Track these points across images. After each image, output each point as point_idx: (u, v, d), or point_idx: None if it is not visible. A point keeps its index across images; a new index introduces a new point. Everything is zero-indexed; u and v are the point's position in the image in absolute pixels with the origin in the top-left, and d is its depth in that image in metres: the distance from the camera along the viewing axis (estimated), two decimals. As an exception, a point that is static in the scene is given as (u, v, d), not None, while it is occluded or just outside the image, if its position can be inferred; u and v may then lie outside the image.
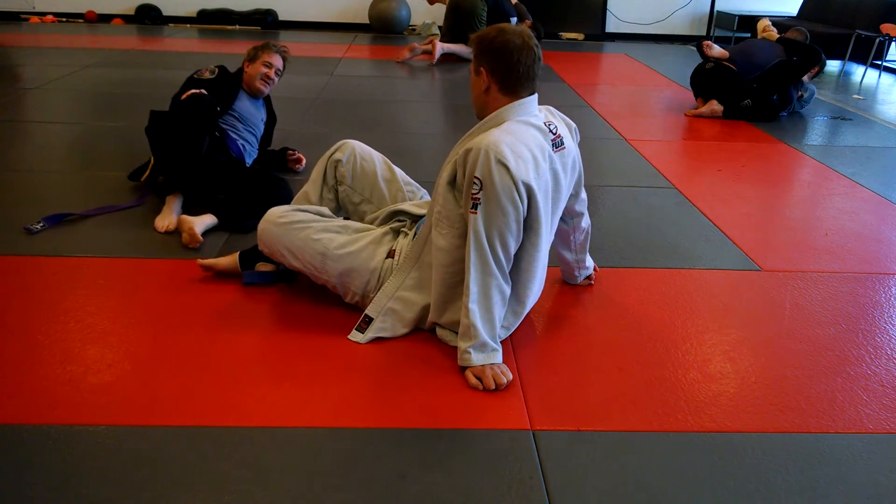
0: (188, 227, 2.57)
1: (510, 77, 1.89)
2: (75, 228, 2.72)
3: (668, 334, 2.15)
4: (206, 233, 2.62)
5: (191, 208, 2.79)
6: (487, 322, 1.88)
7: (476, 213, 1.83)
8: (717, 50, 4.87)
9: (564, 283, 2.44)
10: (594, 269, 2.46)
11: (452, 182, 1.91)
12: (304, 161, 3.46)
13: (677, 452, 1.65)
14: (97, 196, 3.01)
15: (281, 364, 1.93)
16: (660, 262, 2.65)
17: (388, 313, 2.05)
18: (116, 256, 2.51)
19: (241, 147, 3.06)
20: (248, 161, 3.12)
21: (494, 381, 1.85)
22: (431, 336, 2.07)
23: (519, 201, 1.83)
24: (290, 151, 3.44)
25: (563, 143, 1.98)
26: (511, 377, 1.88)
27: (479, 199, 1.82)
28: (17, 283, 2.30)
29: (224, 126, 3.03)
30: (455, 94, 5.47)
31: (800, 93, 5.02)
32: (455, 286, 1.95)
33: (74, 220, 2.78)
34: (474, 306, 1.87)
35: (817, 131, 4.78)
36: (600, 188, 3.47)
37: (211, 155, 2.86)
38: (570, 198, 2.16)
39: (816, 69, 5.02)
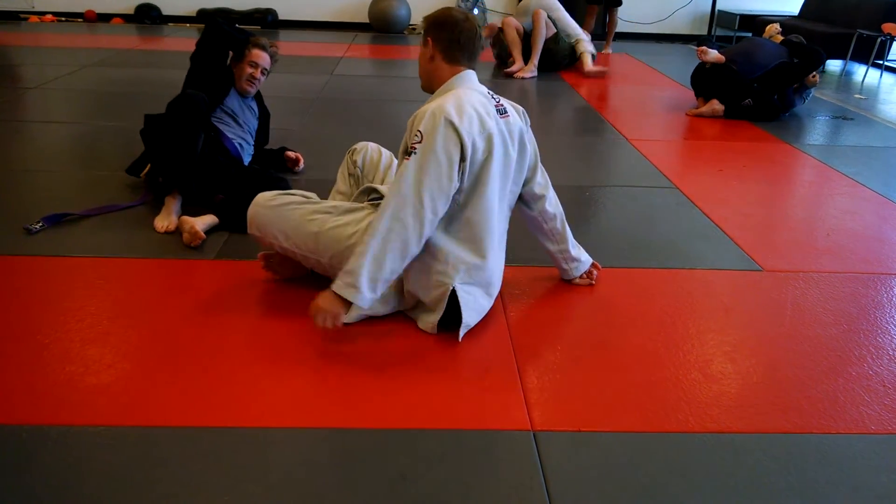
0: (189, 227, 2.57)
1: (452, 46, 2.07)
2: (75, 228, 2.72)
3: (668, 334, 2.15)
4: (206, 232, 2.62)
5: (190, 209, 2.79)
6: (374, 261, 1.89)
7: (409, 159, 1.93)
8: (712, 55, 4.86)
9: (565, 284, 2.43)
10: (595, 267, 2.45)
11: (406, 152, 1.99)
12: (302, 160, 3.45)
13: (678, 453, 1.65)
14: (97, 196, 3.01)
15: (281, 364, 1.92)
16: (661, 262, 2.64)
17: None
18: (116, 256, 2.50)
19: (237, 146, 3.06)
20: (246, 159, 3.12)
21: (323, 320, 1.90)
22: (431, 336, 2.07)
23: (457, 156, 1.93)
24: (289, 151, 3.44)
25: (506, 112, 2.10)
26: (339, 325, 1.93)
27: (416, 148, 1.93)
28: (16, 283, 2.30)
29: (219, 125, 3.02)
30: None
31: (802, 97, 5.03)
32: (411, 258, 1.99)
33: (74, 220, 2.78)
34: (371, 241, 1.89)
35: (819, 131, 4.77)
36: (601, 188, 3.47)
37: (209, 155, 2.85)
38: (526, 181, 2.23)
39: (817, 76, 5.05)
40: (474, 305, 2.06)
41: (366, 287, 1.89)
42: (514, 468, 1.57)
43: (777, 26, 5.33)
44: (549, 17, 6.30)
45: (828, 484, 1.57)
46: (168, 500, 1.45)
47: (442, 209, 1.95)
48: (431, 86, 2.13)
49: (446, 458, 1.60)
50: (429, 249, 2.01)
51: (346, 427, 1.69)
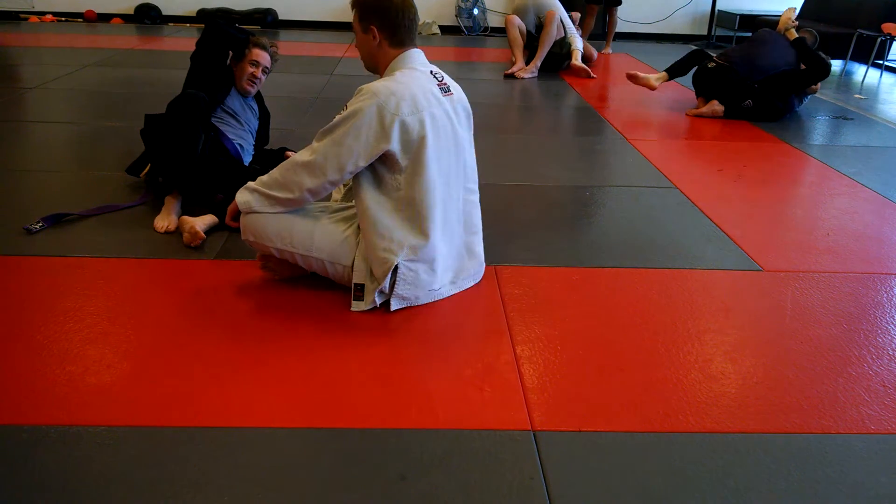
0: (189, 227, 2.57)
1: (398, 30, 2.13)
2: (75, 228, 2.72)
3: (669, 334, 2.15)
4: (206, 232, 2.62)
5: (190, 209, 2.79)
6: (271, 182, 2.12)
7: (326, 125, 2.06)
8: (642, 79, 5.02)
9: (563, 284, 2.43)
10: None
11: None
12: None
13: (678, 453, 1.65)
14: (97, 196, 3.01)
15: (281, 364, 1.92)
16: (661, 262, 2.64)
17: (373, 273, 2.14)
18: (116, 256, 2.50)
19: (237, 146, 3.06)
20: (246, 160, 3.12)
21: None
22: (430, 337, 2.07)
23: (379, 134, 2.01)
24: (289, 151, 3.43)
25: (450, 90, 2.20)
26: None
27: (336, 118, 2.05)
28: (16, 283, 2.30)
29: (220, 125, 3.02)
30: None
31: (800, 99, 5.02)
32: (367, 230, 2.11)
33: (74, 220, 2.77)
34: (275, 171, 2.12)
35: (819, 131, 4.77)
36: (601, 188, 3.47)
37: (209, 155, 2.85)
38: None
39: (818, 84, 5.09)
40: (413, 280, 2.13)
41: (247, 190, 2.17)
42: (514, 468, 1.57)
43: (793, 16, 5.05)
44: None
45: (828, 484, 1.57)
46: (168, 500, 1.45)
47: (332, 174, 2.05)
48: (378, 67, 2.20)
49: (446, 458, 1.59)
50: (376, 229, 2.09)
51: (346, 427, 1.69)
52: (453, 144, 2.18)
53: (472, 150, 2.33)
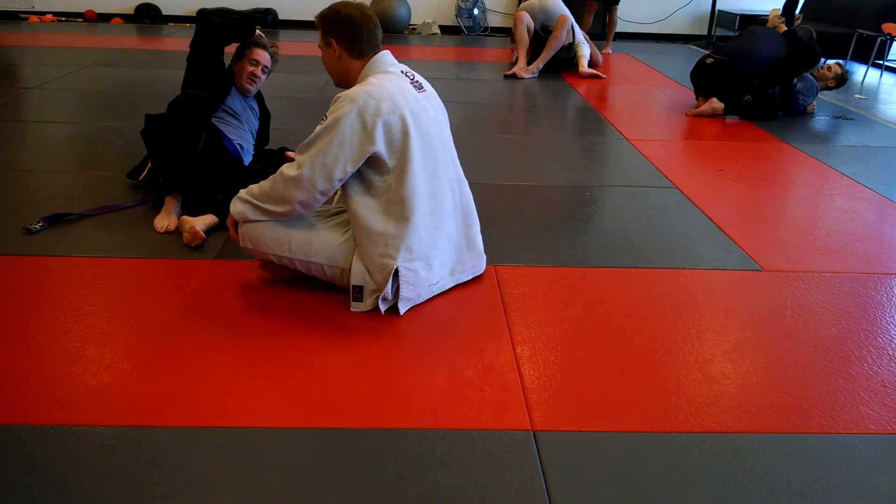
0: (189, 227, 2.57)
1: (356, 43, 2.17)
2: (75, 228, 2.72)
3: (668, 334, 2.15)
4: (206, 232, 2.62)
5: (190, 209, 2.79)
6: (262, 196, 2.13)
7: (307, 139, 2.07)
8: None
9: (563, 284, 2.43)
10: None
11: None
12: (303, 161, 3.44)
13: (678, 453, 1.65)
14: (97, 196, 3.01)
15: (281, 364, 1.92)
16: (661, 262, 2.64)
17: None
18: (116, 256, 2.50)
19: (238, 146, 3.06)
20: (246, 160, 3.12)
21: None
22: (430, 337, 2.07)
23: (363, 138, 2.02)
24: (289, 151, 3.43)
25: (423, 87, 2.23)
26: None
27: (317, 129, 2.05)
28: (16, 283, 2.30)
29: (220, 125, 3.02)
30: (456, 93, 5.45)
31: (810, 104, 5.03)
32: (361, 234, 2.13)
33: (74, 219, 2.77)
34: (266, 183, 2.14)
35: (819, 131, 4.77)
36: (601, 188, 3.47)
37: (209, 155, 2.85)
38: None
39: (834, 83, 5.16)
40: (414, 280, 2.14)
41: (240, 200, 2.19)
42: (514, 468, 1.57)
43: (779, 12, 5.21)
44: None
45: (828, 484, 1.57)
46: (168, 500, 1.45)
47: (321, 184, 2.05)
48: (345, 80, 2.21)
49: (446, 458, 1.60)
50: (369, 236, 2.10)
51: (345, 427, 1.69)
52: (436, 138, 2.20)
53: (453, 145, 2.35)
